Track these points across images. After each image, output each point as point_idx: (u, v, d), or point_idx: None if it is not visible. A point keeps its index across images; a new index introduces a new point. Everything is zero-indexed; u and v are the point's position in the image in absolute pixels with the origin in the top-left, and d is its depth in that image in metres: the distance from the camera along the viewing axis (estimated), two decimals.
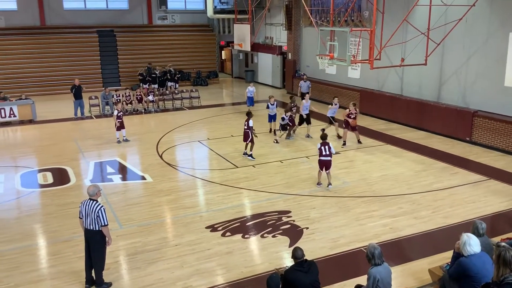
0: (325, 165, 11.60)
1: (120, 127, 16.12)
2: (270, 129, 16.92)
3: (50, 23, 27.40)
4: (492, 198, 10.98)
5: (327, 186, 11.66)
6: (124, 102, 21.17)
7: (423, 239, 9.11)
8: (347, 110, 15.38)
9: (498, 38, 14.61)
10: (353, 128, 15.46)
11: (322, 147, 11.54)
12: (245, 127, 14.00)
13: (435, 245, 8.74)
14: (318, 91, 22.62)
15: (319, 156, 11.64)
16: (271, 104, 16.63)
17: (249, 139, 13.98)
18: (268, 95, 18.08)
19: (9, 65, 25.74)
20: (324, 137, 11.77)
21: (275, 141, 16.00)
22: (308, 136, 16.51)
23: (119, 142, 16.22)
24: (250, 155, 14.11)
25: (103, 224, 7.15)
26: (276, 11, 26.89)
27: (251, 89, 20.66)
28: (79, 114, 20.37)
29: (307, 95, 16.77)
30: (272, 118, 16.83)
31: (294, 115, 16.52)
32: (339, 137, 16.15)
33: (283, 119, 16.00)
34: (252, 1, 23.91)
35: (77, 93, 20.17)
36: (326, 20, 22.15)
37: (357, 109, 15.72)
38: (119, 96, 21.28)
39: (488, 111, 15.27)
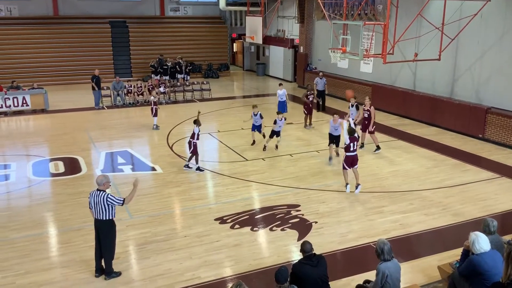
0: (352, 160, 10.84)
1: (155, 114, 16.74)
2: (254, 141, 14.87)
3: (63, 13, 27.53)
4: (504, 196, 10.86)
5: (356, 188, 10.84)
6: (135, 93, 21.27)
7: (433, 235, 9.05)
8: (365, 107, 13.98)
9: None
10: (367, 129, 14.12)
11: (351, 143, 10.73)
12: (190, 137, 12.58)
13: (445, 242, 8.68)
14: (329, 86, 22.44)
15: (346, 152, 10.83)
16: (254, 115, 14.55)
17: (192, 150, 12.45)
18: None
19: (21, 55, 25.91)
20: (352, 131, 10.84)
21: (264, 148, 14.22)
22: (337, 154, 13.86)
23: (157, 127, 16.77)
24: (198, 168, 12.50)
25: (121, 204, 7.22)
26: (289, 4, 26.73)
27: (280, 92, 17.60)
28: (101, 104, 20.55)
29: (340, 119, 13.27)
30: (256, 127, 14.72)
31: (311, 104, 16.73)
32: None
33: (275, 122, 14.00)
34: None
35: (98, 84, 20.31)
36: (339, 13, 21.92)
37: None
38: (131, 87, 21.38)
39: (502, 108, 15.08)
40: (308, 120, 16.99)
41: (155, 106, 16.76)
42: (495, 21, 15.03)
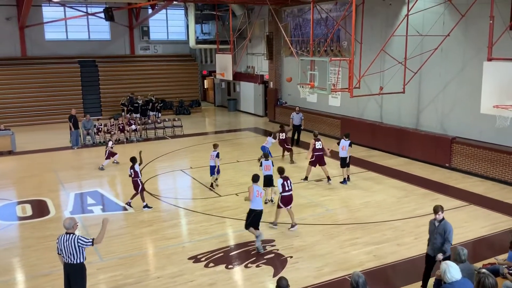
0: (288, 200, 10.78)
1: (110, 155, 16.73)
2: (211, 184, 14.10)
3: (31, 54, 27.33)
4: (472, 224, 11.11)
5: (293, 227, 10.80)
6: (105, 132, 21.06)
7: (407, 266, 9.13)
8: (312, 142, 14.33)
9: (473, 67, 15.06)
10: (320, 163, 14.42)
11: (285, 182, 10.71)
12: (132, 176, 12.29)
13: (419, 272, 8.71)
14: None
15: (282, 192, 10.71)
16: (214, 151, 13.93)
17: (140, 189, 12.36)
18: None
19: None
20: (282, 171, 10.90)
21: (269, 201, 12.84)
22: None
23: (102, 169, 16.39)
24: (146, 205, 12.41)
25: (91, 244, 7.03)
26: (257, 41, 27.35)
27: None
28: (80, 143, 20.37)
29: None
30: (213, 170, 13.92)
31: (285, 141, 17.24)
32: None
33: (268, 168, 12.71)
34: (233, 32, 24.31)
35: (76, 123, 20.05)
36: (306, 50, 22.59)
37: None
38: (101, 125, 21.19)
39: (466, 137, 15.62)
40: (284, 154, 17.39)
41: (111, 149, 16.76)
42: (455, 54, 15.75)
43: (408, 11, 15.27)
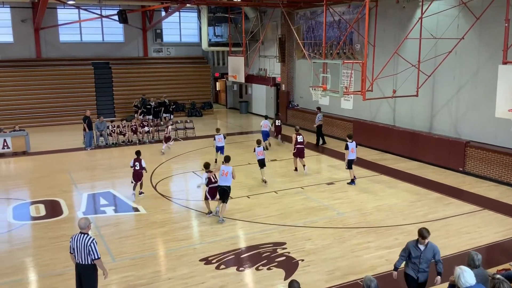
0: (214, 192, 11.80)
1: (166, 140, 19.30)
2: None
3: (46, 55, 27.66)
4: (487, 229, 10.97)
5: (221, 220, 11.58)
6: (118, 134, 21.21)
7: None
8: (294, 136, 15.66)
9: (488, 70, 14.91)
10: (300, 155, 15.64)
11: (211, 176, 11.74)
12: (137, 168, 13.31)
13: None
14: (311, 122, 22.77)
15: (208, 185, 11.76)
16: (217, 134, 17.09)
17: (141, 179, 13.58)
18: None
19: (3, 97, 25.78)
20: (207, 166, 11.95)
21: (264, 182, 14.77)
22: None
23: (163, 153, 18.92)
24: (141, 193, 13.72)
25: (95, 258, 7.05)
26: (270, 44, 27.35)
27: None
28: (94, 144, 20.56)
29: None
30: (219, 149, 17.03)
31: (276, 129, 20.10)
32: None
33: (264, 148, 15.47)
34: (246, 34, 24.36)
35: (89, 124, 20.26)
36: (318, 52, 22.54)
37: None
38: (114, 127, 21.35)
39: (480, 141, 15.43)
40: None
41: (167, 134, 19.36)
42: (470, 58, 15.59)
43: (422, 13, 15.17)
